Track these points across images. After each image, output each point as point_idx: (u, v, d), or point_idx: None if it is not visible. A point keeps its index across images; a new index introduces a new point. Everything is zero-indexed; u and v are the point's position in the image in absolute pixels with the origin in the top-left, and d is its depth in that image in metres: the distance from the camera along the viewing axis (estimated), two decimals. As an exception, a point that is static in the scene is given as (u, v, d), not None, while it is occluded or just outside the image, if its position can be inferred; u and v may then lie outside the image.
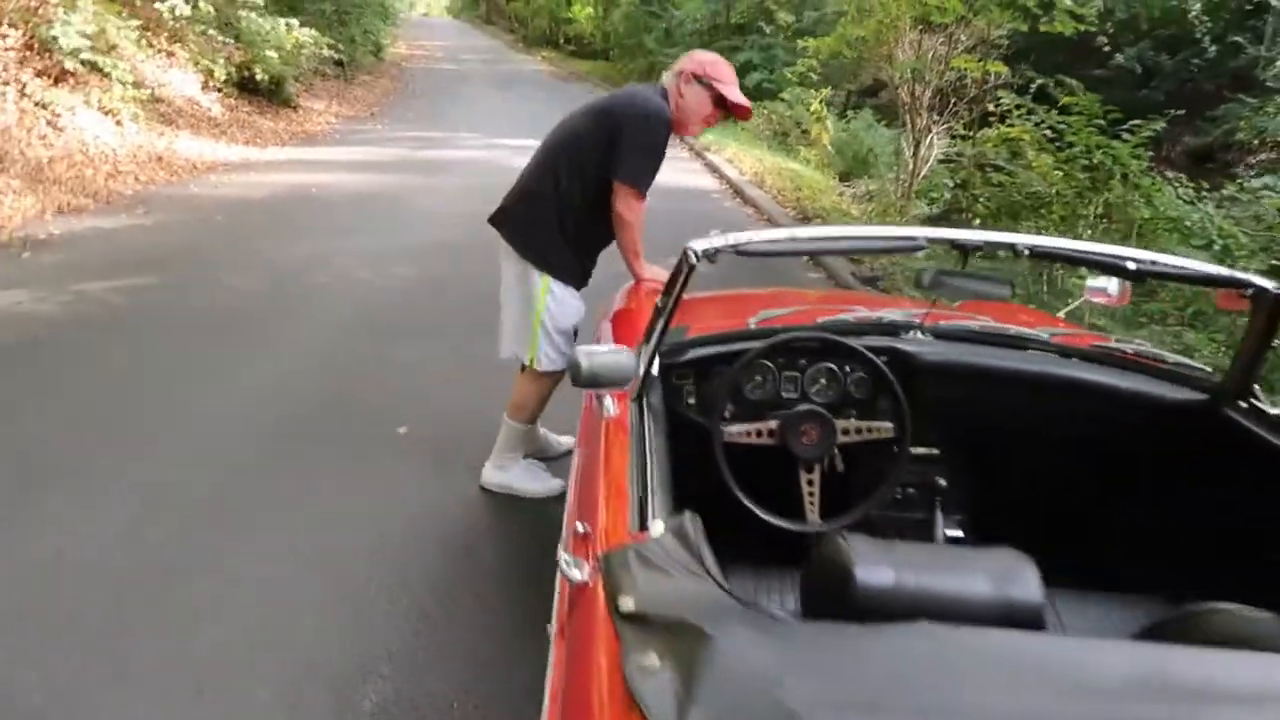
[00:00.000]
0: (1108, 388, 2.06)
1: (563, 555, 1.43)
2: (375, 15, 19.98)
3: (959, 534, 2.13)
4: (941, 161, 10.11)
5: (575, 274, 3.09)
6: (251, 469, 3.45)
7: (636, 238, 2.97)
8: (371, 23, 19.46)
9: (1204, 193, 6.11)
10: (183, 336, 4.75)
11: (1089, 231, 7.04)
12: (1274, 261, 5.69)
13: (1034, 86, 9.40)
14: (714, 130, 15.08)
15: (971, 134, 9.53)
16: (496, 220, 3.13)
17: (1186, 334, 4.59)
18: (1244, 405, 1.88)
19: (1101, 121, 6.95)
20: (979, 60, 9.00)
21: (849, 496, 2.12)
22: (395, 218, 7.83)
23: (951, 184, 10.07)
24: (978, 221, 9.34)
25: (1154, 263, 1.70)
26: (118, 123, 9.02)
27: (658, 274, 3.06)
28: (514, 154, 11.78)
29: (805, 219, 8.32)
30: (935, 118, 9.67)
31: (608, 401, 1.87)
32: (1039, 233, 7.95)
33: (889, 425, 1.99)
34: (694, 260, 1.77)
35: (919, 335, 2.20)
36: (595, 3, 28.03)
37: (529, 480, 3.36)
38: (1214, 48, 19.97)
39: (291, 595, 2.73)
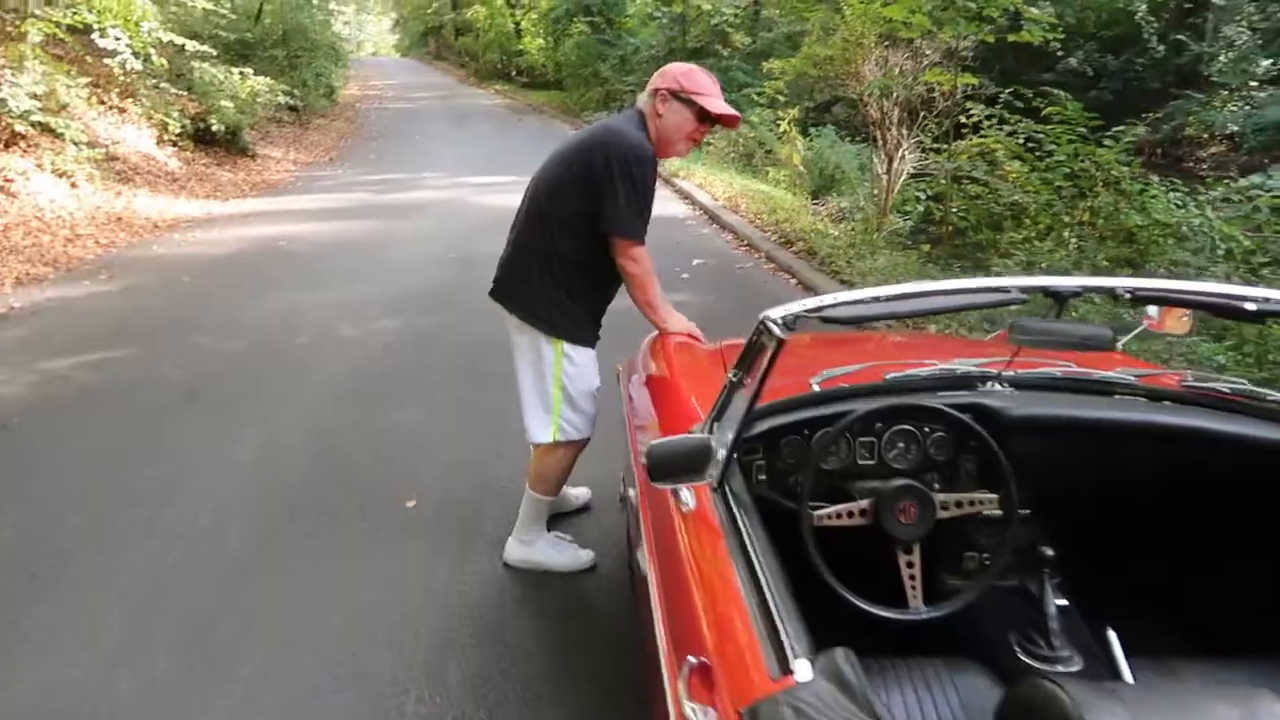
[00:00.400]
0: (1204, 432, 1.90)
1: (686, 704, 1.22)
2: (326, 58, 19.77)
3: (1064, 602, 1.94)
4: (914, 176, 10.05)
5: (588, 334, 2.88)
6: (253, 563, 3.19)
7: (651, 289, 2.75)
8: (323, 65, 19.23)
9: (1199, 196, 6.02)
10: (162, 413, 4.47)
11: (1075, 239, 6.99)
12: (1263, 260, 5.65)
13: (1004, 96, 9.42)
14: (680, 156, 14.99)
15: (944, 147, 9.49)
16: (497, 293, 2.90)
17: (1200, 345, 4.46)
18: None
19: (1083, 129, 6.91)
20: (949, 73, 8.96)
21: (941, 572, 1.93)
22: (369, 267, 7.59)
23: (924, 197, 10.04)
24: (950, 230, 9.32)
25: (1275, 301, 1.54)
26: (73, 184, 8.72)
27: (684, 325, 2.89)
28: (480, 192, 11.70)
29: (786, 242, 8.18)
30: (904, 132, 9.62)
31: (684, 494, 1.67)
32: (1024, 241, 7.91)
33: (992, 497, 1.80)
34: (775, 332, 1.58)
35: (998, 387, 2.02)
36: (546, 34, 27.97)
37: (556, 554, 3.12)
38: (1161, 47, 20.35)
39: (319, 709, 2.48)
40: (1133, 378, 2.07)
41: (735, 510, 1.57)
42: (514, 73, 31.92)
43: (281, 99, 14.54)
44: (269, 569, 3.14)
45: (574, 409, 2.87)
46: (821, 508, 1.75)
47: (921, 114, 9.51)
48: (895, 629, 1.70)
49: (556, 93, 25.97)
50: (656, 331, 2.99)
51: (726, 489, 1.63)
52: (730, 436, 1.67)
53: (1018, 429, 1.87)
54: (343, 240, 8.65)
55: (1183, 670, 1.56)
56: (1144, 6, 19.63)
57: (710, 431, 1.79)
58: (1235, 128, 19.49)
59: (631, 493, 2.16)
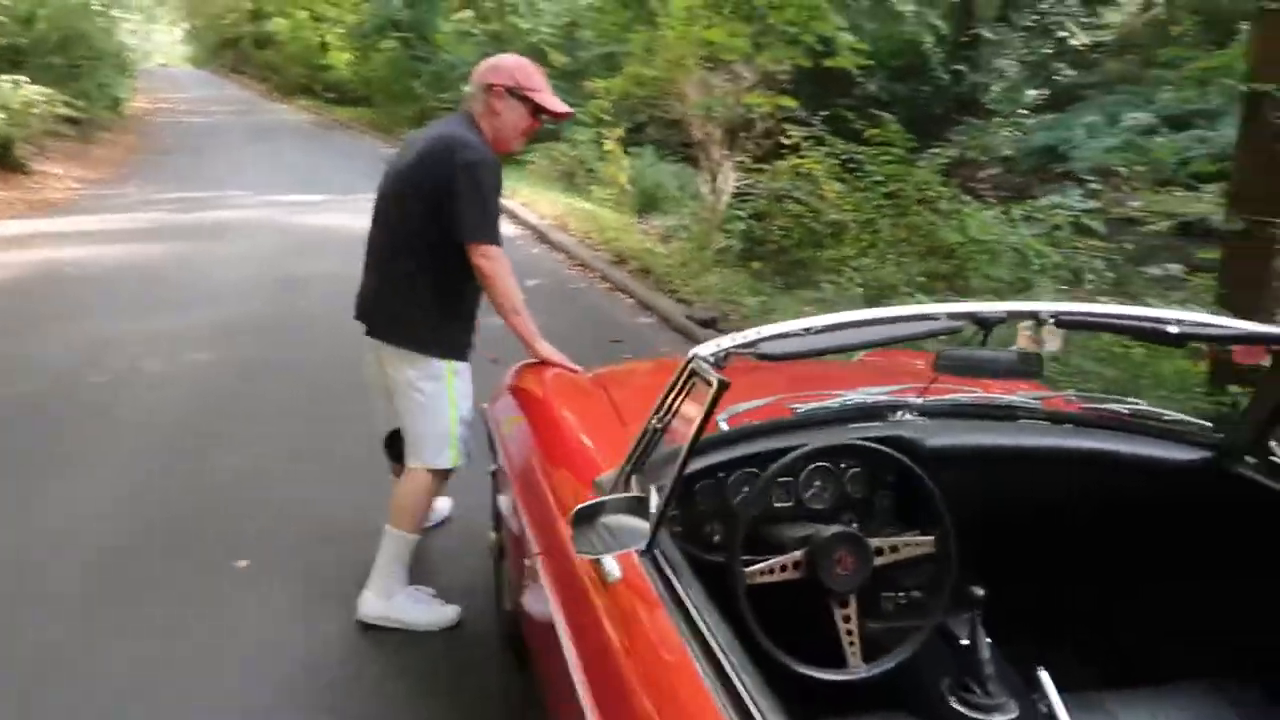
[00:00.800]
0: (1110, 454, 1.92)
1: None
2: (111, 68, 18.25)
3: (988, 641, 1.89)
4: (736, 195, 10.28)
5: (468, 349, 2.85)
6: (60, 650, 2.76)
7: (511, 290, 2.68)
8: (108, 76, 17.75)
9: (1012, 215, 6.42)
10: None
11: (895, 256, 7.30)
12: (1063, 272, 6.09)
13: (817, 120, 9.80)
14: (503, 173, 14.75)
15: (765, 167, 9.75)
16: (373, 330, 2.83)
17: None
18: (1253, 460, 1.79)
19: (899, 150, 7.24)
20: (769, 95, 9.22)
21: (872, 620, 1.84)
22: (174, 294, 6.95)
23: (744, 215, 10.29)
24: (775, 248, 9.59)
25: (1197, 324, 1.57)
26: None
27: (554, 352, 2.77)
28: (293, 211, 11.05)
29: (620, 261, 8.15)
30: (725, 152, 9.83)
31: (607, 564, 1.51)
32: (842, 260, 8.21)
33: (927, 539, 1.73)
34: (708, 375, 1.47)
35: (909, 416, 1.98)
36: (352, 49, 26.99)
37: (418, 610, 2.86)
38: (946, 76, 21.97)
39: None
40: (1034, 401, 2.08)
41: (670, 575, 1.44)
42: (320, 88, 30.63)
43: (62, 110, 13.25)
44: (72, 663, 2.71)
45: (467, 427, 2.82)
46: (752, 563, 1.63)
47: (742, 135, 9.76)
48: (831, 688, 1.60)
49: (366, 109, 25.08)
50: (521, 365, 2.83)
51: (657, 552, 1.49)
52: (658, 493, 1.53)
53: (934, 460, 1.82)
54: (143, 265, 7.92)
55: (1114, 706, 1.54)
56: (931, 38, 21.10)
57: (627, 485, 1.65)
58: (1009, 152, 21.29)
59: (531, 561, 1.96)
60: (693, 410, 1.57)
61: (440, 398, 2.74)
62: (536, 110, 2.71)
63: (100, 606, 2.96)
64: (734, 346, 1.50)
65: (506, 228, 10.42)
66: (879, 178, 7.44)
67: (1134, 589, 2.01)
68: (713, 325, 5.97)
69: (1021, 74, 23.13)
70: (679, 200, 12.93)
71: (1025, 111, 22.41)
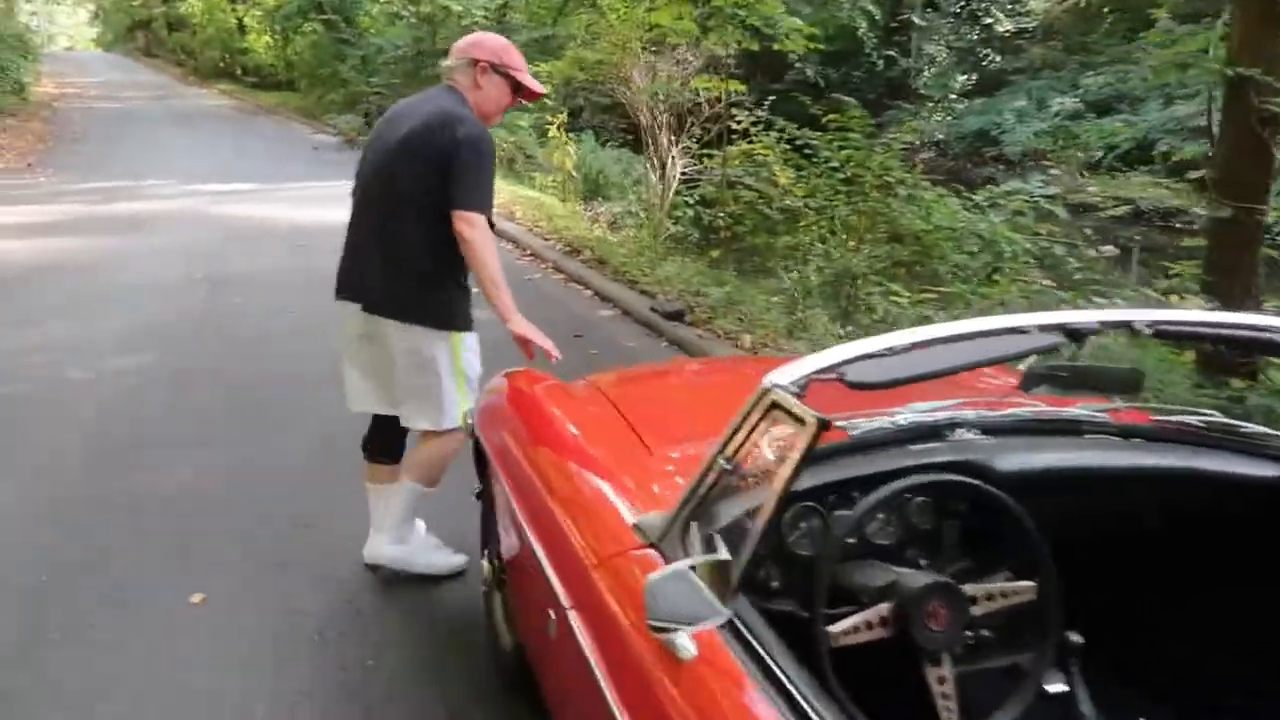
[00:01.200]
0: (1185, 472, 1.72)
1: None
2: (11, 51, 17.24)
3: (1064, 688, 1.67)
4: (683, 181, 10.06)
5: (470, 317, 2.81)
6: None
7: (493, 261, 2.65)
8: (9, 59, 16.77)
9: (978, 202, 6.29)
10: None
11: (852, 240, 7.13)
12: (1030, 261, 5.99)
13: (768, 103, 9.61)
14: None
15: (714, 152, 9.54)
16: (369, 305, 2.75)
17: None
18: None
19: (858, 136, 7.07)
20: (719, 79, 8.99)
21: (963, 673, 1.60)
22: (93, 293, 6.43)
23: (692, 202, 10.08)
24: (729, 234, 9.40)
25: None
26: None
27: (530, 328, 2.71)
28: (218, 201, 10.49)
29: (572, 250, 7.85)
30: (673, 138, 9.60)
31: (681, 640, 1.25)
32: (796, 247, 8.03)
33: (1028, 585, 1.49)
34: (797, 411, 1.23)
35: (969, 435, 1.73)
36: (273, 31, 26.02)
37: (431, 556, 2.96)
38: (881, 62, 22.12)
39: None
40: (1101, 414, 1.85)
41: (759, 648, 1.18)
42: (239, 71, 29.53)
43: (-41, 96, 12.42)
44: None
45: (474, 392, 2.80)
46: (837, 618, 1.38)
47: (690, 120, 9.53)
48: None
49: (290, 94, 24.24)
50: (509, 374, 2.57)
51: (738, 620, 1.24)
52: (728, 547, 1.27)
53: (1008, 487, 1.59)
54: (56, 261, 7.35)
55: None
56: (865, 24, 21.16)
57: (685, 534, 1.39)
58: (941, 136, 21.53)
59: (560, 615, 1.67)
60: (768, 448, 1.32)
61: (443, 372, 2.72)
62: (516, 89, 2.77)
63: (32, 650, 2.58)
64: (814, 373, 1.27)
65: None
66: (835, 163, 7.26)
67: (1231, 626, 1.80)
68: (679, 318, 5.71)
69: (951, 60, 23.43)
70: (623, 187, 12.67)
71: (955, 96, 22.75)
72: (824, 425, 1.20)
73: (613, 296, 6.50)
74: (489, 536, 2.53)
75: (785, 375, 1.29)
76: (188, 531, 3.24)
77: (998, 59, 22.82)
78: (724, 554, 1.28)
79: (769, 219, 8.89)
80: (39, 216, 9.23)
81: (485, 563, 2.53)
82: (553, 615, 1.67)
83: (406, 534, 2.93)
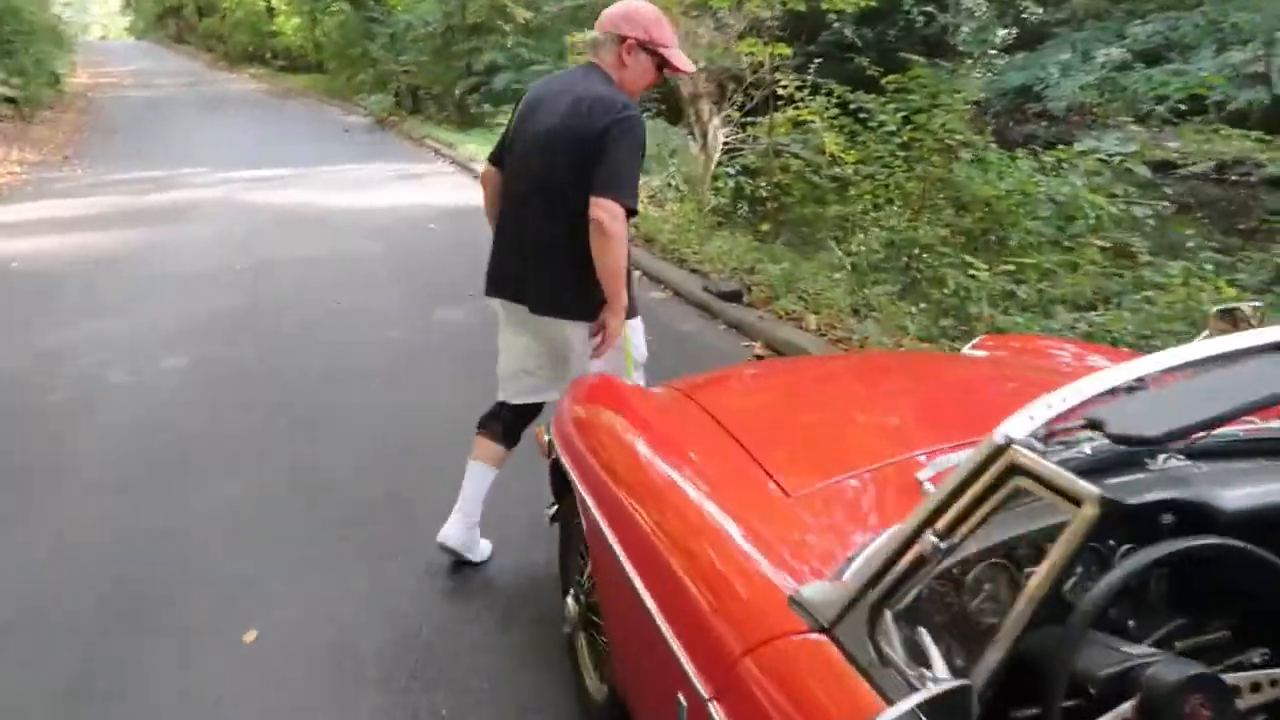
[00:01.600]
0: None
1: None
2: (48, 42, 17.22)
3: None
4: (727, 150, 9.74)
5: (634, 300, 2.70)
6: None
7: (624, 262, 2.50)
8: (44, 50, 16.73)
9: (1060, 163, 5.91)
10: None
11: (910, 211, 6.79)
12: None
13: (813, 66, 9.22)
14: (471, 139, 14.04)
15: (758, 120, 9.20)
16: (543, 309, 2.65)
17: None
18: None
19: (915, 97, 6.71)
20: (761, 44, 8.63)
21: None
22: (136, 289, 6.30)
23: (734, 173, 9.75)
24: (777, 206, 9.07)
25: None
26: None
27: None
28: (254, 187, 10.34)
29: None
30: (713, 107, 9.27)
31: None
32: (848, 217, 7.70)
33: None
34: (1047, 475, 0.98)
35: (1175, 461, 1.37)
36: (301, 13, 25.84)
37: (478, 547, 2.93)
38: (921, 17, 21.46)
39: None
40: None
41: None
42: (269, 55, 29.44)
43: (-4, 89, 12.39)
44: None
45: (642, 371, 2.78)
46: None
47: (731, 88, 9.20)
48: None
49: (320, 76, 24.11)
50: (591, 381, 2.34)
51: None
52: (981, 673, 1.03)
53: (1235, 528, 1.24)
54: (96, 256, 7.23)
55: None
56: (906, -22, 20.50)
57: (874, 622, 1.13)
58: (983, 94, 20.84)
59: (695, 704, 1.40)
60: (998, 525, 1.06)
61: (619, 357, 2.65)
62: (661, 65, 2.59)
63: (62, 703, 2.42)
64: (1053, 419, 1.00)
65: (476, 195, 9.88)
66: (892, 128, 6.90)
67: None
68: (737, 299, 5.44)
69: (990, 13, 22.65)
70: (661, 159, 12.33)
71: (995, 51, 22.02)
72: (1112, 508, 0.93)
73: (662, 277, 6.25)
74: (570, 569, 2.29)
75: (1021, 428, 1.02)
76: (239, 557, 3.03)
77: (1039, 10, 22.04)
78: (948, 676, 1.03)
79: (818, 188, 8.56)
80: (80, 210, 9.14)
81: (570, 600, 2.24)
82: (683, 701, 1.42)
83: (476, 517, 2.87)
